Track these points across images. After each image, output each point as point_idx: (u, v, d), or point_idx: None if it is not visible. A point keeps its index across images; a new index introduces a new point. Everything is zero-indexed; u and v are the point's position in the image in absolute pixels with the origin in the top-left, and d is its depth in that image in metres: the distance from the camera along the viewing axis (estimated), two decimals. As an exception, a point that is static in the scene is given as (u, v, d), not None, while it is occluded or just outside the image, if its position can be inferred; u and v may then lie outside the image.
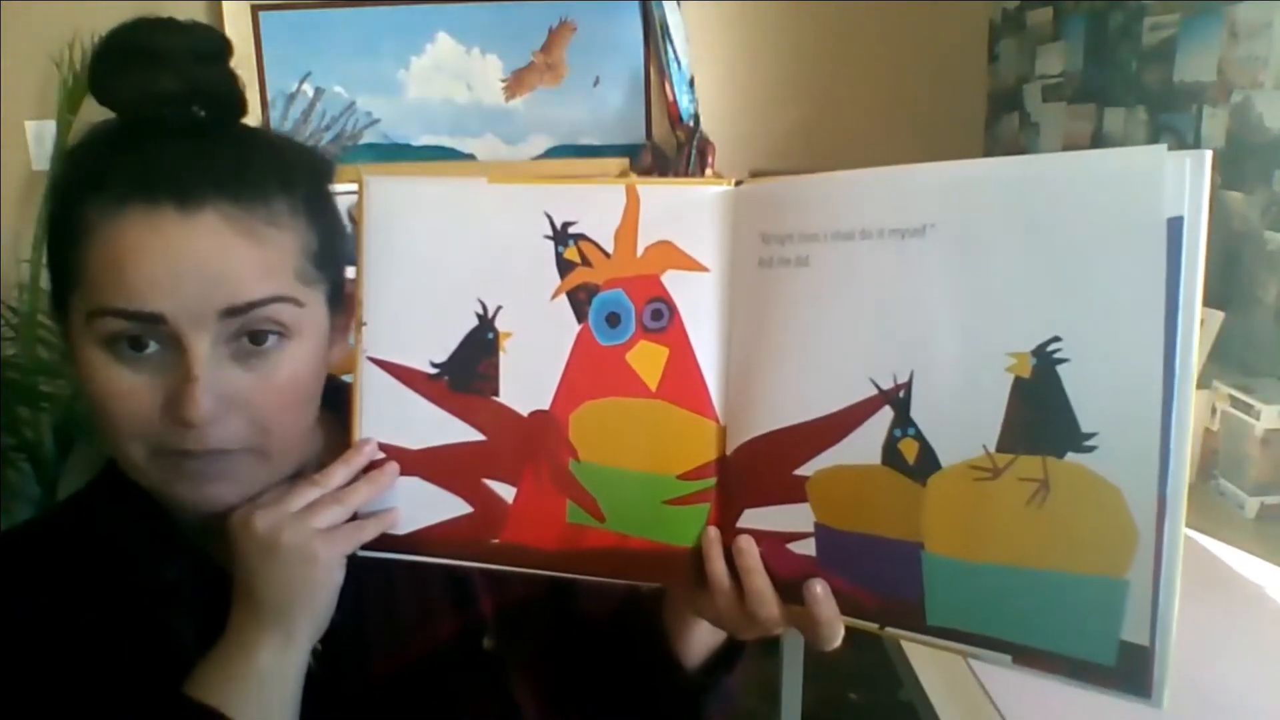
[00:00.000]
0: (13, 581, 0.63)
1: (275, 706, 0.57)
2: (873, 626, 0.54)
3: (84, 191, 0.56)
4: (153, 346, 0.55)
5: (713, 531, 0.58)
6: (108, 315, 0.55)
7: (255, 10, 1.98)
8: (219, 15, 1.97)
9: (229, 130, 0.61)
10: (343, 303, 0.65)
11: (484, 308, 0.60)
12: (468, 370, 0.60)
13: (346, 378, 0.74)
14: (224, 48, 0.62)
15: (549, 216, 0.59)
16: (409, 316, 0.61)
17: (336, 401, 0.71)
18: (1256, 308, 1.13)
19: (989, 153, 2.00)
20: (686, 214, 0.57)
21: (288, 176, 0.60)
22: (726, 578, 0.57)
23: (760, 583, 0.56)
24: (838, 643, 0.55)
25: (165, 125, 0.58)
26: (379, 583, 0.62)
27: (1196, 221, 0.45)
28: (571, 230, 0.58)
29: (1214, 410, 1.15)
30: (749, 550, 0.56)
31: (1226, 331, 1.15)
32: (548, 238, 0.58)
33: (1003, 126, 1.93)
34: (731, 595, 0.57)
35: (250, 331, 0.57)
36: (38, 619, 0.61)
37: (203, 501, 0.58)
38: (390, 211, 0.62)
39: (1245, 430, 1.07)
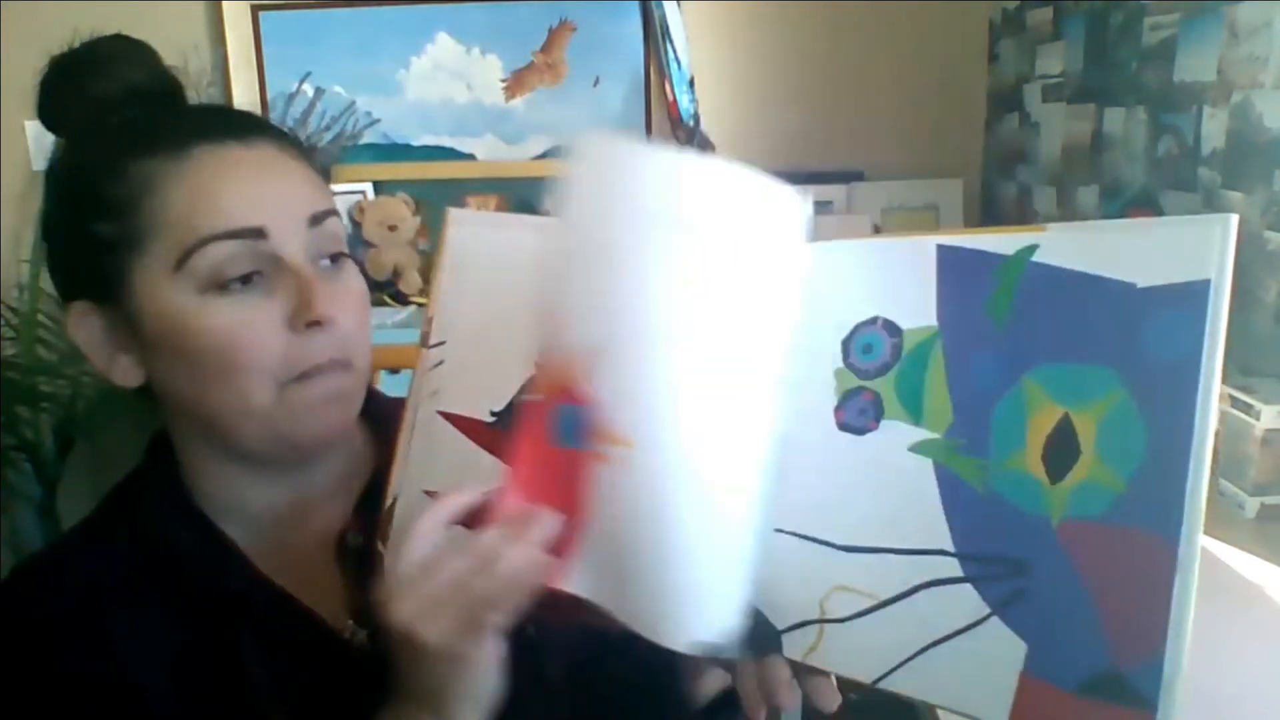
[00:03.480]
0: (69, 602, 0.60)
1: None
2: (866, 681, 0.55)
3: (132, 154, 0.58)
4: (255, 278, 0.57)
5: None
6: (211, 242, 0.56)
7: (255, 10, 1.98)
8: (219, 15, 1.97)
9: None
10: None
11: None
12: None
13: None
14: (149, 50, 0.67)
15: None
16: (478, 369, 0.62)
17: (373, 412, 0.70)
18: (1256, 308, 1.13)
19: (989, 152, 2.00)
20: None
21: (291, 132, 0.67)
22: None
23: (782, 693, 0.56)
24: (837, 704, 0.55)
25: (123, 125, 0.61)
26: None
27: (1223, 284, 0.47)
28: None
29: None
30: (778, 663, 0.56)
31: (1227, 331, 1.15)
32: None
33: (1003, 126, 1.93)
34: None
35: (324, 253, 0.61)
36: (101, 642, 0.59)
37: (324, 428, 0.60)
38: (472, 255, 0.62)
39: (1245, 430, 1.07)
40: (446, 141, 2.06)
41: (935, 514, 0.53)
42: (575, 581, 0.53)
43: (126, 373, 0.61)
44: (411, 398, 0.62)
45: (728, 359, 0.53)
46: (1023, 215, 1.83)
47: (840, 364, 0.56)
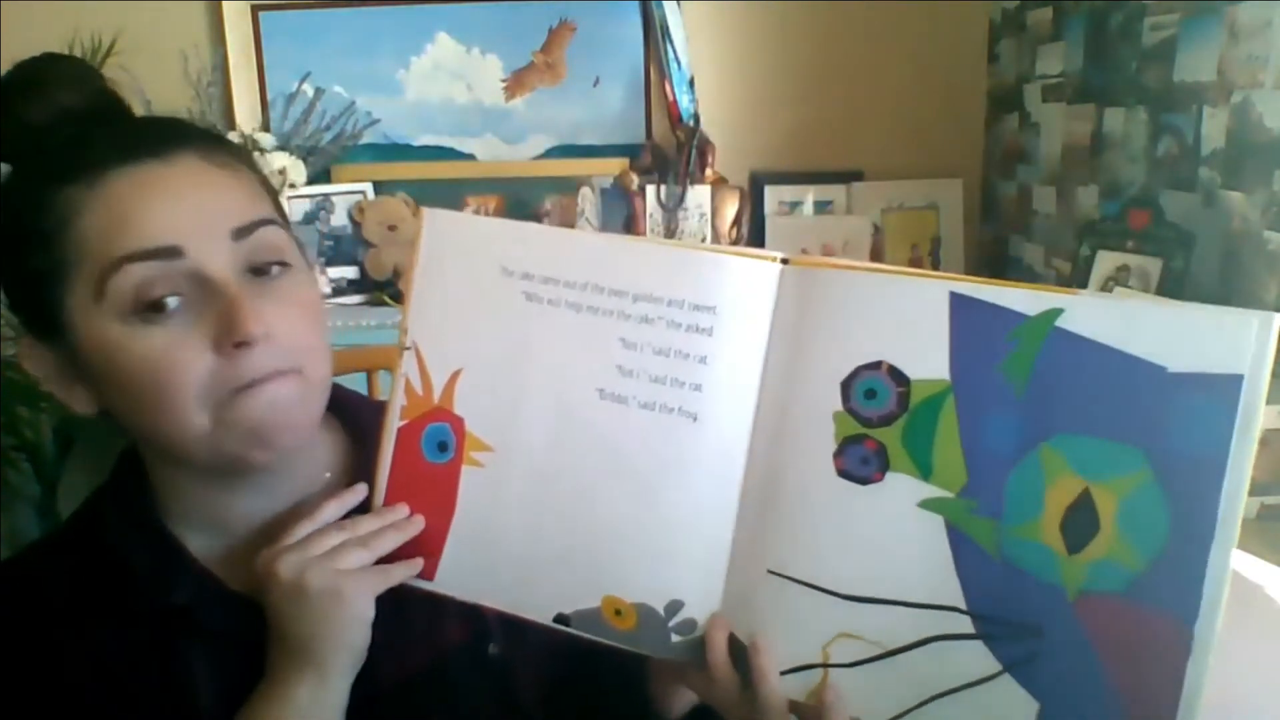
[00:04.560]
0: (21, 612, 0.61)
1: None
2: None
3: (52, 184, 0.57)
4: (174, 303, 0.56)
5: (718, 616, 0.57)
6: (125, 264, 0.55)
7: (255, 10, 1.98)
8: (219, 15, 1.97)
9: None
10: (308, 260, 0.67)
11: None
12: None
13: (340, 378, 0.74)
14: (87, 70, 0.64)
15: None
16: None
17: (348, 414, 0.70)
18: (1256, 308, 1.13)
19: (989, 153, 2.00)
20: None
21: (221, 137, 0.65)
22: (730, 670, 0.56)
23: (772, 687, 0.55)
24: None
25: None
26: (390, 594, 0.62)
27: (1258, 382, 0.47)
28: None
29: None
30: (765, 649, 0.56)
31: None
32: None
33: (1003, 126, 1.93)
34: (733, 685, 0.56)
35: (257, 265, 0.59)
36: (47, 652, 0.60)
37: (270, 438, 0.59)
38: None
39: (1245, 430, 1.07)
40: (446, 141, 2.06)
41: (947, 573, 0.52)
42: (444, 578, 0.61)
43: (83, 401, 0.60)
44: (391, 403, 0.62)
45: (580, 375, 0.58)
46: (1022, 215, 1.83)
47: (839, 407, 0.54)
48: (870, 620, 0.54)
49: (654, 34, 1.96)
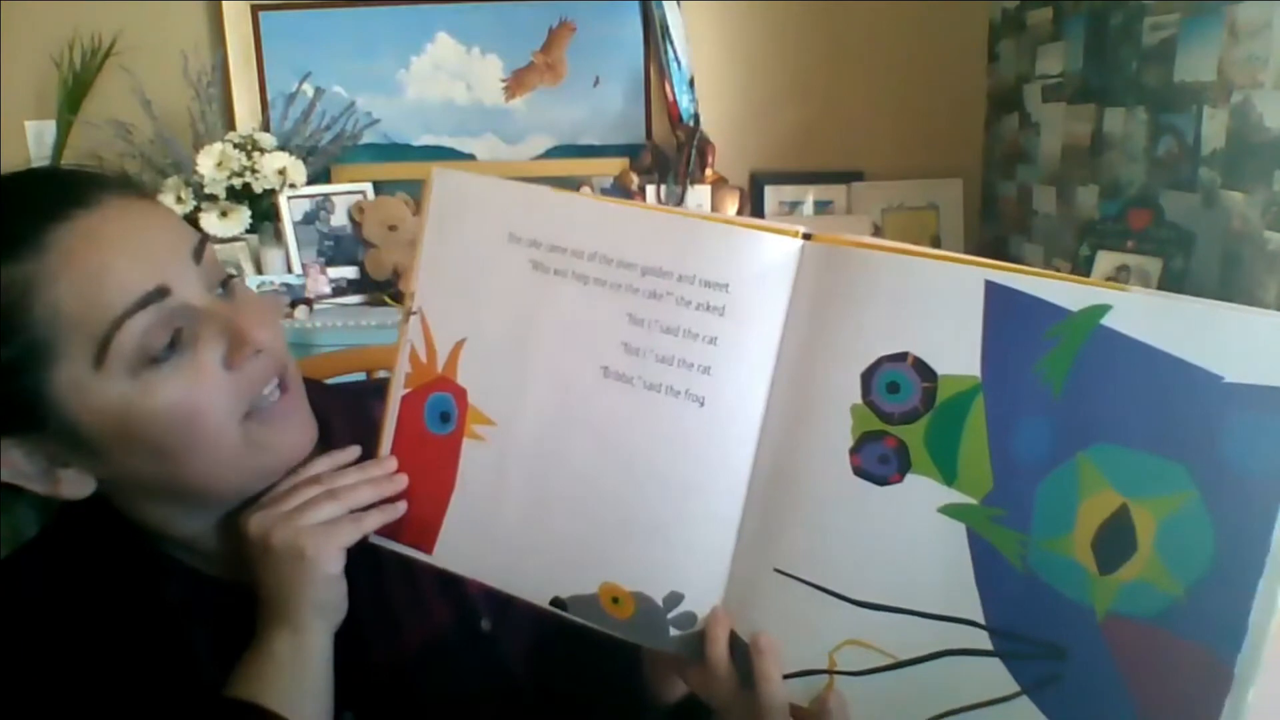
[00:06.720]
0: (22, 615, 0.60)
1: (299, 689, 0.58)
2: None
3: None
4: (168, 341, 0.55)
5: (719, 611, 0.55)
6: (124, 321, 0.52)
7: (255, 10, 1.98)
8: (219, 15, 1.97)
9: None
10: None
11: None
12: None
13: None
14: None
15: None
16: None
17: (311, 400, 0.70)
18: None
19: (989, 153, 2.00)
20: None
21: (121, 172, 0.65)
22: (730, 668, 0.55)
23: (774, 690, 0.53)
24: None
25: None
26: (368, 574, 0.63)
27: None
28: None
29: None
30: (769, 649, 0.53)
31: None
32: None
33: (1003, 126, 1.93)
34: (732, 684, 0.55)
35: (215, 280, 0.59)
36: (54, 651, 0.59)
37: (298, 445, 0.61)
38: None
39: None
40: (446, 141, 2.06)
41: (966, 583, 0.49)
42: (442, 552, 0.61)
43: (75, 485, 0.57)
44: (396, 369, 0.61)
45: (587, 349, 0.56)
46: (1022, 215, 1.83)
47: (858, 399, 0.50)
48: (882, 628, 0.51)
49: (654, 34, 1.96)
